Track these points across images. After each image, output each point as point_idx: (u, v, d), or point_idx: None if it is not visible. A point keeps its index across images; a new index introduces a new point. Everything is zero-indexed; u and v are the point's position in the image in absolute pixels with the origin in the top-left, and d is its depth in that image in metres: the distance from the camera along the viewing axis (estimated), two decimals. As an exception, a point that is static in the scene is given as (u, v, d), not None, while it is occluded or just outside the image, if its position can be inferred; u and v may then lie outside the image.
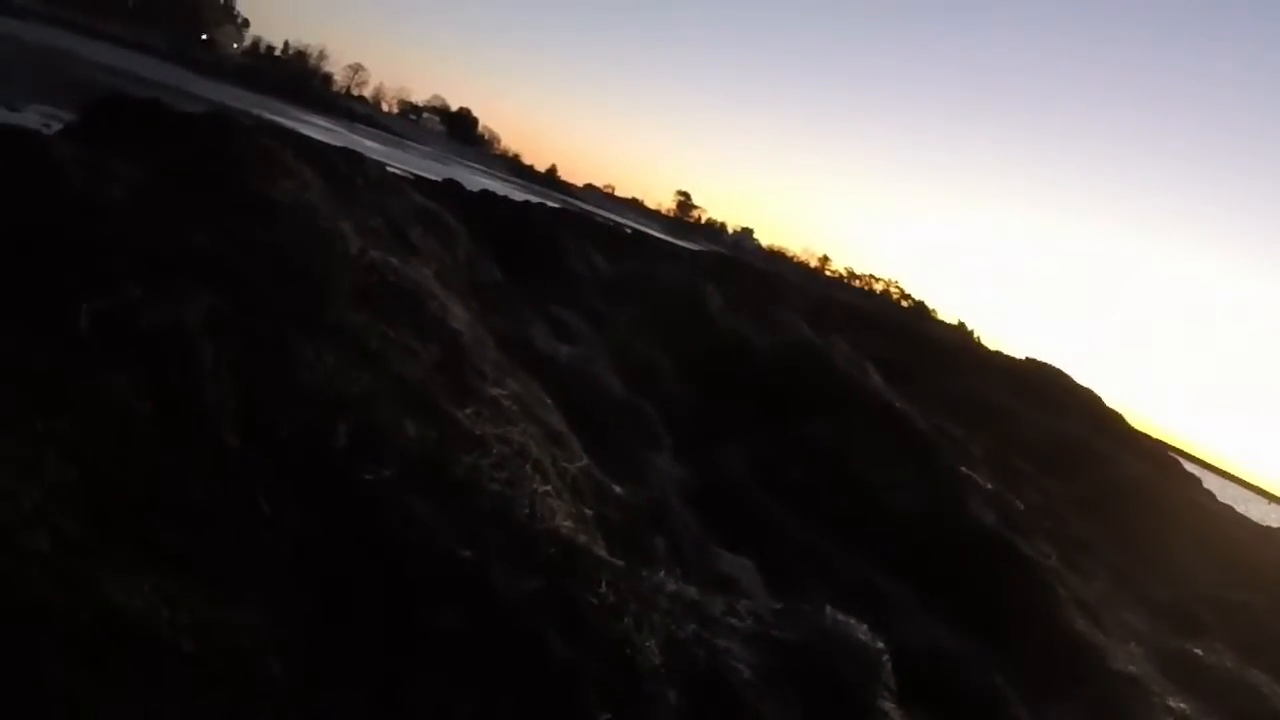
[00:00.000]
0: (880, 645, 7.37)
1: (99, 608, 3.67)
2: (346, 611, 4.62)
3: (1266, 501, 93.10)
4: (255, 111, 31.00)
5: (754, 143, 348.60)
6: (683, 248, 61.12)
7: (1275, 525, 41.86)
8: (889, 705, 6.99)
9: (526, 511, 6.15)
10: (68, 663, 3.38)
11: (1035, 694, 11.19)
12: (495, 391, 8.11)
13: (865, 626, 7.51)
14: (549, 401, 9.95)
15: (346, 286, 7.82)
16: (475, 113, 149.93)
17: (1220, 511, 36.49)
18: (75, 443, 4.50)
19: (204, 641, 3.86)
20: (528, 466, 6.96)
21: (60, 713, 3.20)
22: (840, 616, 7.48)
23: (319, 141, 21.13)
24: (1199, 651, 15.74)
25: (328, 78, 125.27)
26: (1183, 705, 11.98)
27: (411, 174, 37.32)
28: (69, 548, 3.87)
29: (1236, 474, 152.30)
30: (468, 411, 7.06)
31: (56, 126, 14.79)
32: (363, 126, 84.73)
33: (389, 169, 24.97)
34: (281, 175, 11.07)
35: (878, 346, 30.81)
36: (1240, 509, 42.92)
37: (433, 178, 40.29)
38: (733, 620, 6.77)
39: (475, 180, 53.85)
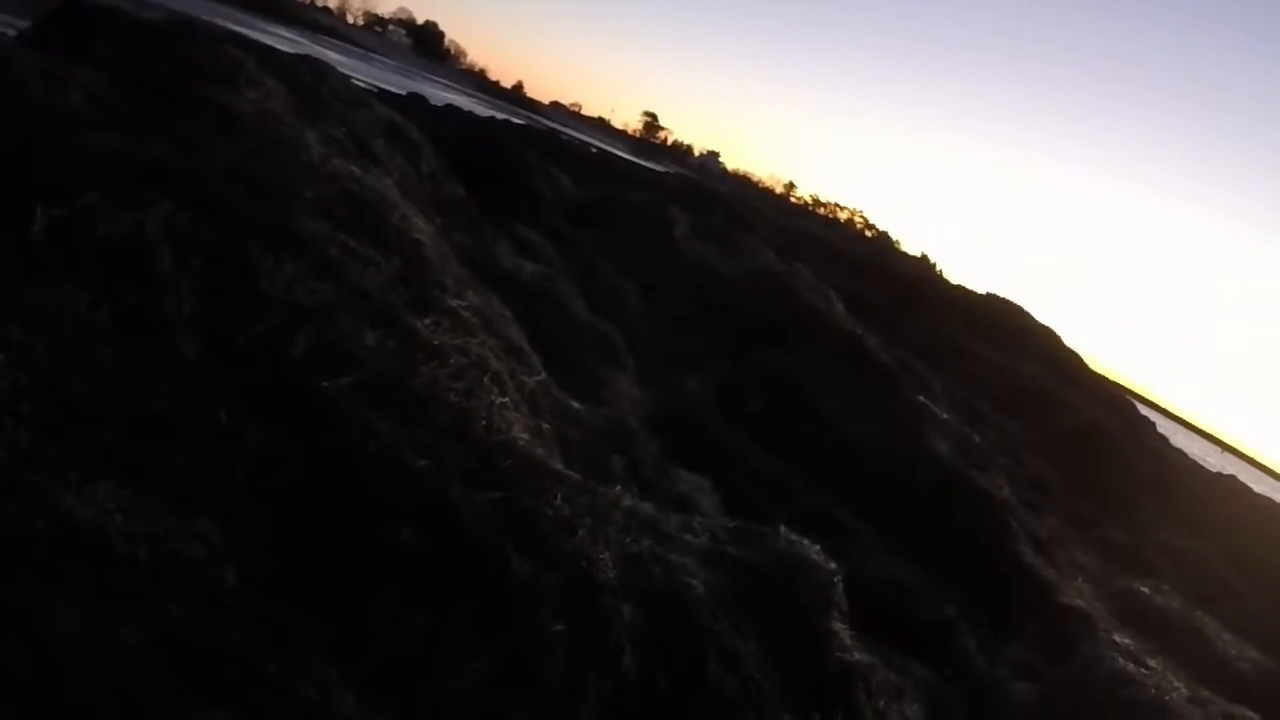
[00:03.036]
0: (833, 567, 7.45)
1: (52, 517, 3.64)
2: (303, 522, 4.61)
3: (1220, 450, 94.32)
4: (219, 21, 30.35)
5: (722, 65, 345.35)
6: (649, 169, 60.63)
7: (1226, 471, 42.52)
8: (840, 626, 7.10)
9: (483, 423, 6.16)
10: (21, 572, 3.36)
11: (985, 624, 11.42)
12: (455, 303, 8.06)
13: (818, 548, 7.59)
14: (509, 315, 9.91)
15: (308, 196, 7.72)
16: (442, 27, 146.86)
17: (1174, 457, 37.13)
18: (28, 350, 4.44)
19: (160, 552, 3.84)
20: (486, 378, 6.95)
21: (15, 623, 3.18)
22: (794, 537, 7.55)
23: (283, 52, 20.68)
24: (1147, 591, 16.04)
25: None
26: (1128, 641, 12.23)
27: (376, 87, 36.72)
28: (21, 457, 3.84)
29: (1186, 418, 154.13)
30: (427, 322, 7.02)
31: (13, 33, 14.42)
32: (327, 39, 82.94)
33: (353, 82, 24.56)
34: (244, 85, 10.91)
35: (842, 278, 30.77)
36: (1191, 453, 43.65)
37: (397, 91, 39.69)
38: (687, 537, 6.83)
39: (440, 95, 53.11)
